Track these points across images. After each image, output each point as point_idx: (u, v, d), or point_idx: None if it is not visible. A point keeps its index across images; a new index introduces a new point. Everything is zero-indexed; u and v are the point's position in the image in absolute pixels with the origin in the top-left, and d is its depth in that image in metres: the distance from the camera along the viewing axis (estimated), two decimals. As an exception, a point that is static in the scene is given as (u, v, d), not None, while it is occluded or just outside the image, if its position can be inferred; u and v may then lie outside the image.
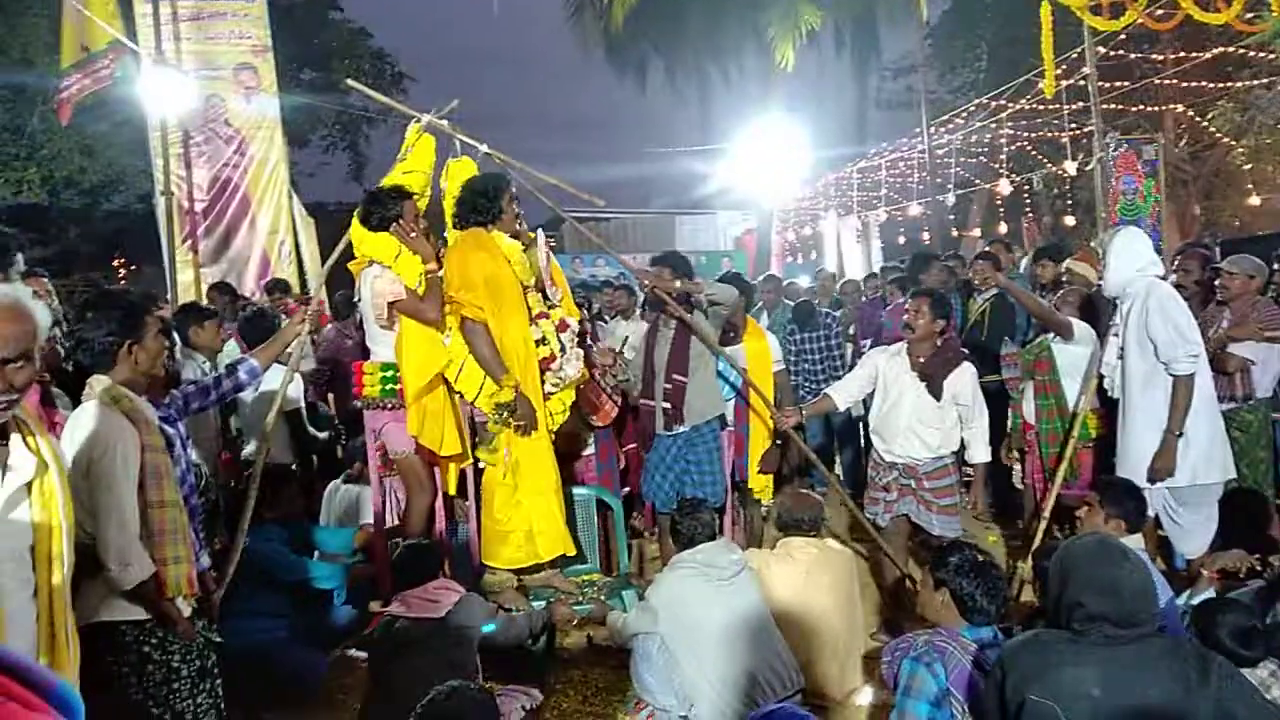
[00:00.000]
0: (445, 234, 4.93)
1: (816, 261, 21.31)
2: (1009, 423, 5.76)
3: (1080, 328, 5.14)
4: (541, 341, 4.54)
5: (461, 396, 4.53)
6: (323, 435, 6.40)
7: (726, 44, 20.18)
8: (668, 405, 4.96)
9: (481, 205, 4.53)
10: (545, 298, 4.73)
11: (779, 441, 5.41)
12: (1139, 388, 4.45)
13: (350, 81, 5.93)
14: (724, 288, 5.05)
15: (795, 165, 19.97)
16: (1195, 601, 3.60)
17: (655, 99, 23.23)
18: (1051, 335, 5.21)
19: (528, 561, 4.51)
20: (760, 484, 5.44)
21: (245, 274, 10.74)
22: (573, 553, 4.64)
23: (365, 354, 5.20)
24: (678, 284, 4.86)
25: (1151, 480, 4.32)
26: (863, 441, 7.60)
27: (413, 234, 4.41)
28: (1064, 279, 5.71)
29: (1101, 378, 4.76)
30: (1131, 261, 4.49)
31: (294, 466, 5.75)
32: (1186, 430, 4.29)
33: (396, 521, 4.92)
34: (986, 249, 7.38)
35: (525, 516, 4.45)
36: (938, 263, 7.23)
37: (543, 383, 4.53)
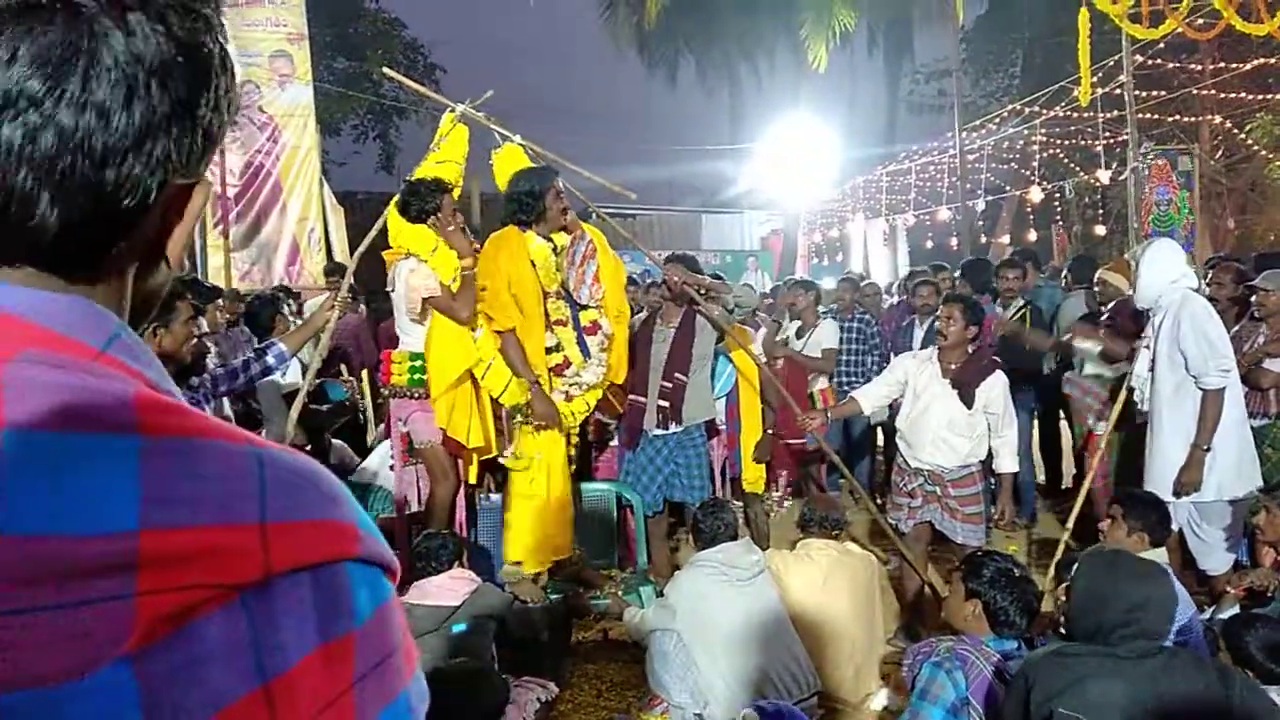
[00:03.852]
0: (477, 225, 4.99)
1: (843, 264, 21.18)
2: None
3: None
4: (556, 349, 4.57)
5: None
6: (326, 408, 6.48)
7: (759, 43, 20.18)
8: (664, 404, 4.89)
9: (526, 204, 4.51)
10: (572, 302, 4.72)
11: (770, 431, 5.45)
12: (1168, 400, 4.40)
13: (386, 70, 5.99)
14: (748, 293, 5.20)
15: (823, 167, 19.89)
16: (1220, 618, 3.56)
17: (685, 96, 23.30)
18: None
19: (541, 567, 4.53)
20: (754, 474, 5.45)
21: (275, 260, 10.85)
22: (565, 555, 4.64)
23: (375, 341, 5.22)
24: (706, 280, 4.89)
25: (1177, 494, 4.27)
26: (878, 447, 7.56)
27: (450, 228, 4.42)
28: (1096, 290, 5.64)
29: (1131, 390, 4.71)
30: (1164, 273, 4.43)
31: (306, 448, 5.81)
32: (1214, 445, 4.24)
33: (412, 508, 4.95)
34: (1010, 258, 7.28)
35: (535, 518, 4.47)
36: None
37: (552, 389, 4.55)
